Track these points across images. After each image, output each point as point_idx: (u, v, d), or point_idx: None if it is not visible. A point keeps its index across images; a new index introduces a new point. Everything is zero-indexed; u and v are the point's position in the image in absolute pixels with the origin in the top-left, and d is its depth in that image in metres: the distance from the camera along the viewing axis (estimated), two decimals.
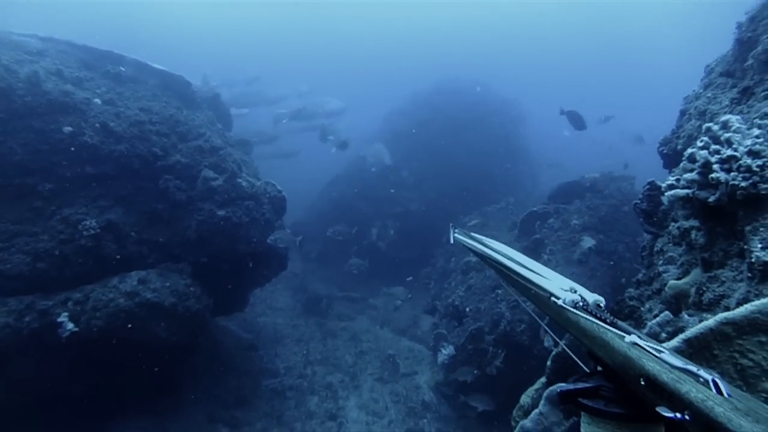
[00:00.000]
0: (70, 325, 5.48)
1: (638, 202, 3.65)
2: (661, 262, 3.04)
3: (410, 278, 11.42)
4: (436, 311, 9.35)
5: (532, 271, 1.27)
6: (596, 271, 7.74)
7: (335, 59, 28.49)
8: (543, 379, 3.37)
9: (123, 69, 7.28)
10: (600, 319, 0.97)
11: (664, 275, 3.03)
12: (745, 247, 2.02)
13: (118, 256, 6.25)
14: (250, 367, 8.29)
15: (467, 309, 8.32)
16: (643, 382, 0.80)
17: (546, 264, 6.04)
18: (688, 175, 2.41)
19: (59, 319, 5.47)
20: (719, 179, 2.26)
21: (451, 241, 1.99)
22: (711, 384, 0.71)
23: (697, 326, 1.42)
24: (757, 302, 1.40)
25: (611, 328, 0.92)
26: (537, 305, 1.21)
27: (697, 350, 1.42)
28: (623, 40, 29.07)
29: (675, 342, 1.45)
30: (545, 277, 1.21)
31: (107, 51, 7.37)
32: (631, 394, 0.86)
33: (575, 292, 1.10)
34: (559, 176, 13.55)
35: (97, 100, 6.64)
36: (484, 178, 13.69)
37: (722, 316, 1.40)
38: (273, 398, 7.65)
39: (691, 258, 2.78)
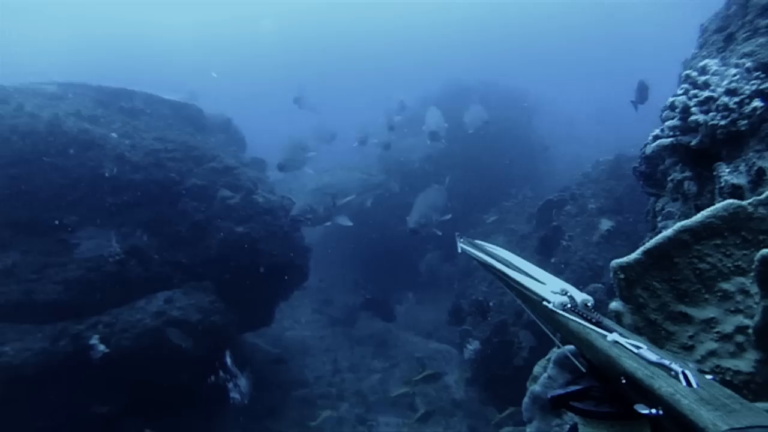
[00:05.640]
0: (102, 347, 5.70)
1: (637, 165, 3.64)
2: (660, 219, 3.03)
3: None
4: (462, 309, 9.29)
5: (528, 275, 1.29)
6: (618, 251, 7.62)
7: (337, 62, 28.64)
8: (555, 349, 3.35)
9: (135, 104, 7.66)
10: (586, 318, 0.99)
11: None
12: (715, 174, 2.03)
13: (144, 279, 6.49)
14: (280, 379, 8.37)
15: (491, 303, 8.26)
16: (623, 381, 0.82)
17: (565, 250, 6.01)
18: (669, 123, 2.42)
19: (91, 342, 5.70)
20: (698, 121, 2.27)
21: (459, 251, 1.98)
22: (681, 376, 0.73)
23: (655, 237, 1.46)
24: (711, 208, 1.44)
25: (594, 328, 0.94)
26: (535, 310, 1.23)
27: (656, 260, 1.46)
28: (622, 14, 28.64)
29: (635, 255, 1.50)
30: (540, 281, 1.23)
31: (120, 88, 7.79)
32: (618, 392, 0.87)
33: (566, 293, 1.12)
34: (573, 163, 13.40)
35: (114, 135, 6.97)
36: (500, 175, 13.61)
37: (679, 224, 1.45)
38: (303, 407, 7.69)
39: (686, 209, 2.76)
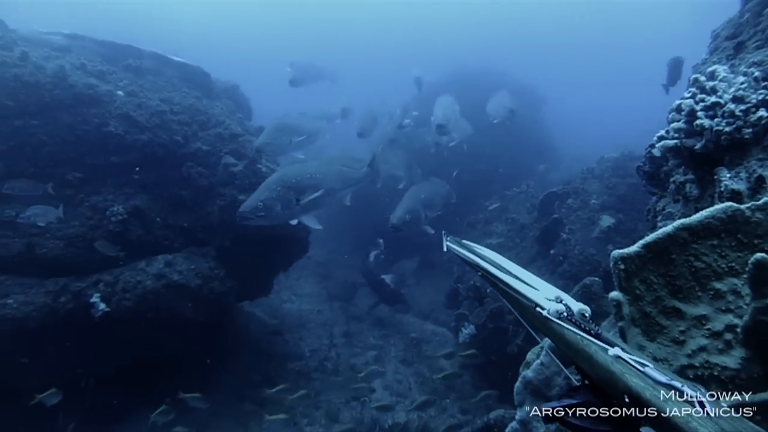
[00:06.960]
0: (102, 305, 5.79)
1: (641, 164, 3.65)
2: (660, 218, 3.06)
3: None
4: (459, 293, 9.39)
5: (520, 280, 1.24)
6: (617, 248, 7.65)
7: (343, 48, 28.33)
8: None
9: (143, 62, 7.58)
10: (584, 330, 0.94)
11: None
12: (716, 177, 2.06)
13: (145, 241, 6.56)
14: (276, 350, 8.51)
15: (488, 290, 8.34)
16: (627, 399, 0.77)
17: (565, 242, 5.97)
18: (675, 125, 2.43)
19: (92, 300, 5.79)
20: (704, 125, 2.28)
21: (444, 249, 1.92)
22: (696, 402, 0.69)
23: (656, 232, 1.52)
24: (710, 209, 1.49)
25: (595, 341, 0.89)
26: (524, 315, 1.19)
27: (655, 254, 1.53)
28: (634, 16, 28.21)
29: (635, 247, 1.56)
30: (532, 287, 1.18)
31: (126, 45, 7.69)
32: (618, 410, 0.83)
33: (561, 301, 1.07)
34: (578, 158, 13.36)
35: (120, 92, 6.93)
36: (504, 164, 13.59)
37: (679, 222, 1.51)
38: (299, 379, 7.83)
39: (687, 210, 2.79)
